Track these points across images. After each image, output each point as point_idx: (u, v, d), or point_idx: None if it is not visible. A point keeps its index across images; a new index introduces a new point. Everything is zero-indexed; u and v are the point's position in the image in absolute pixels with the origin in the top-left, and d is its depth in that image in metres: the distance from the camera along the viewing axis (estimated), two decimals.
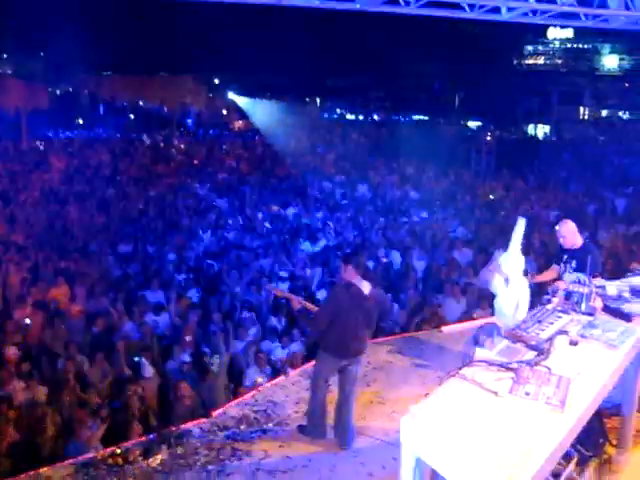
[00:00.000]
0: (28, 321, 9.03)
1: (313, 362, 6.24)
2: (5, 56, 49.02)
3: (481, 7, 8.72)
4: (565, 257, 6.72)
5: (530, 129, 44.95)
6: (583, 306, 4.47)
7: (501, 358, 3.68)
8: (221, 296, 10.47)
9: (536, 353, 3.76)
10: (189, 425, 6.13)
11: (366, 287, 5.68)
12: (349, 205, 17.13)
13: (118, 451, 5.59)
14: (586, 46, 60.18)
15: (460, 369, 3.55)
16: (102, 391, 7.47)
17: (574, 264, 6.51)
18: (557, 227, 6.86)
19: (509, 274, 6.44)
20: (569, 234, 6.69)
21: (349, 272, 5.63)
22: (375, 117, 48.75)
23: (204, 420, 6.23)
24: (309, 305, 5.98)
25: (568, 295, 4.60)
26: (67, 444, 6.35)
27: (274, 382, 7.15)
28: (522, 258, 6.54)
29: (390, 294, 10.17)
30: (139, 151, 27.11)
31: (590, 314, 4.43)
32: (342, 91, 49.93)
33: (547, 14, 8.95)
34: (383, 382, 7.03)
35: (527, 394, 3.29)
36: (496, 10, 8.87)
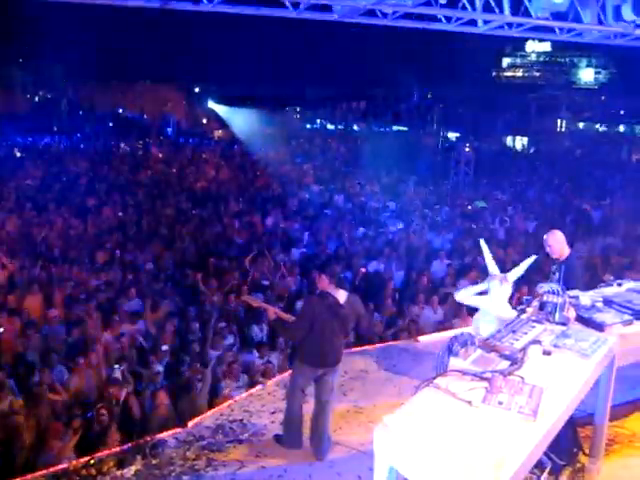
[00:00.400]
0: (1, 329, 8.90)
1: (289, 372, 6.24)
2: None
3: (457, 19, 8.83)
4: (553, 267, 6.77)
5: (508, 141, 45.44)
6: (557, 316, 4.51)
7: (475, 368, 3.70)
8: (199, 305, 10.40)
9: (510, 363, 3.78)
10: (164, 435, 6.07)
11: (342, 296, 5.69)
12: (328, 215, 17.14)
13: (92, 462, 5.52)
14: (563, 60, 61.12)
15: (434, 378, 3.56)
16: (77, 400, 7.39)
17: (557, 275, 6.57)
18: (545, 237, 6.93)
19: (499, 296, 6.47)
20: (556, 244, 6.76)
21: (323, 281, 5.67)
22: (355, 127, 48.94)
23: (179, 430, 6.18)
24: (284, 315, 5.98)
25: (542, 305, 4.64)
26: (39, 455, 6.27)
27: (250, 392, 7.12)
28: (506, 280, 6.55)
29: (368, 304, 10.19)
30: (118, 159, 26.95)
31: (563, 324, 4.47)
32: (322, 101, 50.15)
33: (522, 27, 9.08)
34: (359, 391, 7.03)
35: (500, 403, 3.31)
36: (473, 23, 8.99)
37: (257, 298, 8.59)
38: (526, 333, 4.23)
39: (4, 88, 31.38)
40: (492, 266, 6.66)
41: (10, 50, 43.54)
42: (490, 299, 6.54)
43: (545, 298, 4.66)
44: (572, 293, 5.01)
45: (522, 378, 3.53)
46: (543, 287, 4.69)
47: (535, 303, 4.74)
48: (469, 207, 18.48)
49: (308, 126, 48.64)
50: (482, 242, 6.89)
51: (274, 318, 5.90)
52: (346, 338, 5.92)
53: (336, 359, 5.76)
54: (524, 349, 3.94)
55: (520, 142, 45.55)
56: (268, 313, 6.01)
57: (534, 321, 4.48)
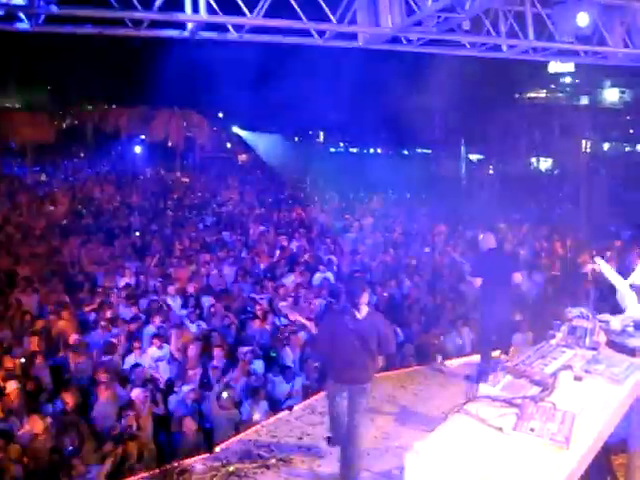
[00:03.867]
0: (23, 360, 8.96)
1: (316, 397, 6.28)
2: (11, 89, 49.71)
3: (482, 45, 8.87)
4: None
5: (532, 162, 45.16)
6: (587, 341, 4.47)
7: (505, 393, 3.67)
8: (225, 329, 10.42)
9: (540, 388, 3.74)
10: (192, 460, 6.08)
11: (363, 311, 5.67)
12: (352, 238, 17.12)
13: None
14: (587, 80, 60.80)
15: (464, 404, 3.54)
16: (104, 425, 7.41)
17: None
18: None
19: None
20: None
21: (342, 300, 5.75)
22: (378, 150, 49.01)
23: (207, 455, 6.18)
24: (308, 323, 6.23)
25: (572, 330, 4.59)
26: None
27: (277, 417, 7.10)
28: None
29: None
30: (143, 184, 27.30)
31: (594, 349, 4.42)
32: (345, 125, 50.30)
33: (547, 51, 9.09)
34: (387, 416, 6.99)
35: (532, 430, 3.27)
36: (497, 47, 9.01)
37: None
38: (556, 358, 4.20)
39: (32, 114, 32.01)
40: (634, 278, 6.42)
41: (38, 77, 44.55)
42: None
43: (575, 322, 4.62)
44: (602, 317, 4.96)
45: (553, 404, 3.49)
46: (573, 311, 4.65)
47: (564, 328, 4.70)
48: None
49: (332, 150, 48.78)
50: (599, 260, 6.71)
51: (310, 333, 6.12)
52: (371, 355, 5.74)
53: (359, 378, 5.69)
54: (555, 375, 3.90)
55: (544, 164, 45.24)
56: (307, 326, 6.22)
57: (564, 346, 4.44)
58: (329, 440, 6.06)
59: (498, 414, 3.43)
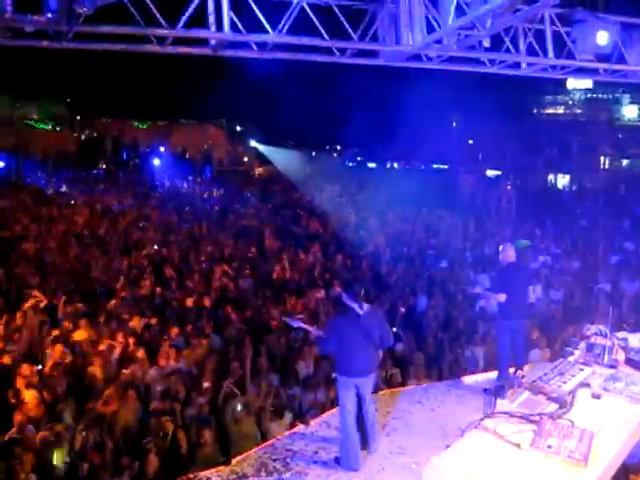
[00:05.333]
0: (44, 368, 9.05)
1: (333, 411, 6.31)
2: (32, 102, 50.49)
3: (501, 62, 8.91)
4: None
5: (550, 178, 44.96)
6: (605, 358, 4.46)
7: (523, 410, 3.68)
8: (242, 342, 10.45)
9: (558, 406, 3.75)
10: (208, 473, 6.10)
11: (364, 307, 6.20)
12: (369, 252, 17.15)
13: None
14: (606, 96, 60.57)
15: (481, 420, 3.55)
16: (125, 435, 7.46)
17: None
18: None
19: None
20: None
21: (345, 299, 6.27)
22: (395, 165, 49.08)
23: (223, 468, 6.21)
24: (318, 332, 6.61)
25: (590, 347, 4.59)
26: None
27: (293, 430, 7.11)
28: None
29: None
30: (161, 196, 27.55)
31: (612, 367, 4.41)
32: (362, 139, 50.44)
33: (566, 69, 9.11)
34: (402, 432, 6.98)
35: (549, 447, 3.27)
36: (516, 65, 9.05)
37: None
38: (574, 376, 4.20)
39: (53, 127, 32.49)
40: None
41: (58, 90, 45.23)
42: None
43: (593, 340, 4.61)
44: (621, 335, 4.94)
45: (572, 422, 3.49)
46: (591, 329, 4.65)
47: (582, 345, 4.70)
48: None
49: (349, 164, 48.91)
50: None
51: (316, 335, 6.55)
52: (375, 347, 6.35)
53: (366, 369, 6.22)
54: (573, 392, 3.90)
55: (562, 180, 45.03)
56: (310, 332, 6.74)
57: (582, 363, 4.44)
58: (337, 460, 6.21)
59: (516, 430, 3.44)
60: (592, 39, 7.97)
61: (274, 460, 6.33)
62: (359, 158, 51.30)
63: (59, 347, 9.43)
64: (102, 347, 9.70)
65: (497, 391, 3.98)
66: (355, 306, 6.14)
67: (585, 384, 4.07)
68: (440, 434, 6.74)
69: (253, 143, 48.85)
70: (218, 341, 10.56)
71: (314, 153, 50.35)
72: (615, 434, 3.57)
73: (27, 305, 11.18)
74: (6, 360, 9.11)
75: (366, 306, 6.23)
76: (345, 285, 6.66)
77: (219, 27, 6.64)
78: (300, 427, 7.19)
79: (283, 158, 42.54)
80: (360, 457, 6.11)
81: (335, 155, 54.67)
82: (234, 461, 6.33)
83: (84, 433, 7.04)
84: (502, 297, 7.84)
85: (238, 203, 26.40)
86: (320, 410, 7.95)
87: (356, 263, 15.72)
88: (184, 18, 6.61)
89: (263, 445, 6.78)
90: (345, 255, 16.57)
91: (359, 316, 6.12)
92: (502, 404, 3.77)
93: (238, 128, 53.89)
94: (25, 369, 8.75)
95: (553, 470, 3.12)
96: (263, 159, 46.55)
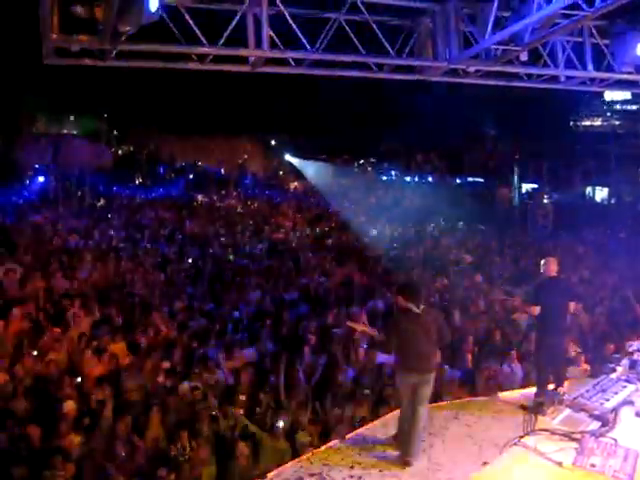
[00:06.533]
0: (79, 379, 9.21)
1: (367, 426, 6.36)
2: (70, 117, 51.70)
3: (539, 76, 8.86)
4: None
5: (588, 191, 44.26)
6: None
7: (564, 427, 3.63)
8: (277, 355, 10.48)
9: (600, 423, 3.69)
10: None
11: (419, 309, 6.38)
12: (403, 266, 17.09)
13: None
14: None
15: (522, 437, 3.52)
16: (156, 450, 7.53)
17: None
18: None
19: None
20: None
21: (401, 301, 6.44)
22: (429, 179, 48.81)
23: None
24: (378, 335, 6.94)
25: (633, 364, 4.52)
26: None
27: (329, 445, 7.08)
28: None
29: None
30: (197, 211, 27.81)
31: None
32: (396, 153, 50.38)
33: (605, 82, 9.02)
34: (439, 448, 6.88)
35: (592, 466, 3.23)
36: (554, 79, 8.99)
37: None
38: (617, 393, 4.14)
39: (91, 141, 33.05)
40: None
41: (95, 106, 46.17)
42: None
43: (636, 356, 4.54)
44: None
45: (615, 440, 3.44)
46: (633, 345, 4.57)
47: (625, 361, 4.62)
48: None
49: (384, 178, 48.76)
50: None
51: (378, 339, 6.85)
52: (434, 345, 6.53)
53: (427, 366, 6.35)
54: (615, 410, 3.84)
55: (600, 193, 44.28)
56: (374, 337, 7.06)
57: (625, 380, 4.37)
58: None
59: (557, 448, 3.41)
60: (632, 51, 7.88)
61: (310, 474, 6.30)
62: (393, 172, 51.12)
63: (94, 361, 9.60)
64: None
65: (537, 408, 3.94)
66: (412, 306, 6.33)
67: (629, 402, 4.01)
68: (477, 451, 6.64)
69: (288, 157, 49.16)
70: (254, 354, 10.61)
71: (348, 166, 50.41)
72: None
73: (67, 318, 11.43)
74: (48, 371, 9.29)
75: (421, 307, 6.43)
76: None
77: (258, 44, 6.74)
78: (335, 441, 7.16)
79: (318, 172, 42.75)
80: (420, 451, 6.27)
81: (370, 168, 54.67)
82: (270, 475, 6.32)
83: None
84: (534, 310, 7.73)
85: (274, 217, 26.56)
86: (356, 424, 7.93)
87: (392, 277, 15.68)
88: (225, 35, 6.72)
89: (299, 459, 6.76)
90: (382, 269, 16.55)
91: (417, 315, 6.34)
92: (542, 421, 3.73)
93: (273, 142, 54.28)
94: (65, 381, 8.93)
95: None
96: (298, 173, 46.76)
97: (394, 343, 6.46)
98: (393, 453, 6.12)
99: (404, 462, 6.11)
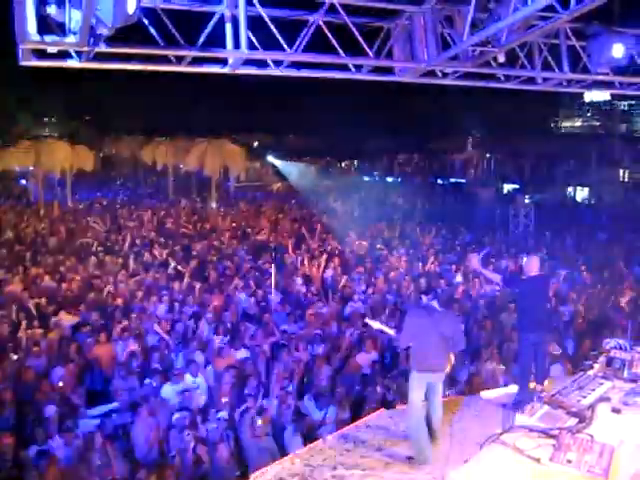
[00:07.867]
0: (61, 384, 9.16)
1: (349, 427, 6.37)
2: (52, 120, 51.51)
3: (516, 78, 8.94)
4: None
5: (568, 192, 44.65)
6: (625, 373, 4.43)
7: (542, 424, 3.67)
8: (258, 357, 10.48)
9: (577, 420, 3.73)
10: None
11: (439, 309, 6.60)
12: (385, 268, 17.12)
13: None
14: (624, 108, 60.18)
15: (500, 434, 3.55)
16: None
17: None
18: None
19: None
20: None
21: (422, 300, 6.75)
22: (410, 180, 49.01)
23: None
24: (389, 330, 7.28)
25: (610, 361, 4.57)
26: None
27: (311, 446, 7.09)
28: None
29: None
30: (179, 213, 27.69)
31: (633, 381, 4.38)
32: (378, 154, 50.61)
33: (582, 83, 9.12)
34: None
35: (569, 462, 3.26)
36: (532, 80, 9.08)
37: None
38: (594, 390, 4.18)
39: (72, 144, 32.85)
40: None
41: (77, 108, 46.01)
42: None
43: (612, 354, 4.59)
44: None
45: (591, 436, 3.47)
46: (610, 342, 4.62)
47: (602, 359, 4.67)
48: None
49: (366, 179, 48.85)
50: None
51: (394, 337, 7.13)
52: (448, 351, 6.52)
53: (437, 366, 6.41)
54: (592, 406, 3.88)
55: (580, 193, 44.69)
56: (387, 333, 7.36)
57: (601, 377, 4.42)
58: (410, 459, 6.37)
59: (535, 445, 3.43)
60: (608, 52, 7.96)
61: (292, 475, 6.31)
62: (376, 173, 51.26)
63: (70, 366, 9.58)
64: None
65: (516, 405, 3.98)
66: (434, 303, 6.53)
67: (605, 398, 4.05)
68: (458, 448, 6.69)
69: (270, 158, 49.15)
70: (236, 356, 10.59)
71: (330, 168, 50.55)
72: (636, 449, 3.54)
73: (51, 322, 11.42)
74: (29, 377, 9.24)
75: (440, 308, 6.58)
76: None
77: (236, 45, 6.75)
78: (318, 442, 7.17)
79: (300, 173, 42.76)
80: (431, 451, 6.28)
81: (352, 169, 54.81)
82: (252, 476, 6.32)
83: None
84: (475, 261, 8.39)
85: (256, 218, 26.51)
86: (338, 425, 7.96)
87: (374, 278, 15.71)
88: (203, 36, 6.73)
89: (281, 460, 6.76)
90: (364, 269, 16.55)
91: (437, 314, 6.45)
92: (521, 418, 3.76)
93: (255, 144, 54.22)
94: (45, 385, 8.89)
95: None
96: (281, 174, 46.77)
97: (408, 338, 6.57)
98: (375, 454, 6.13)
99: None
